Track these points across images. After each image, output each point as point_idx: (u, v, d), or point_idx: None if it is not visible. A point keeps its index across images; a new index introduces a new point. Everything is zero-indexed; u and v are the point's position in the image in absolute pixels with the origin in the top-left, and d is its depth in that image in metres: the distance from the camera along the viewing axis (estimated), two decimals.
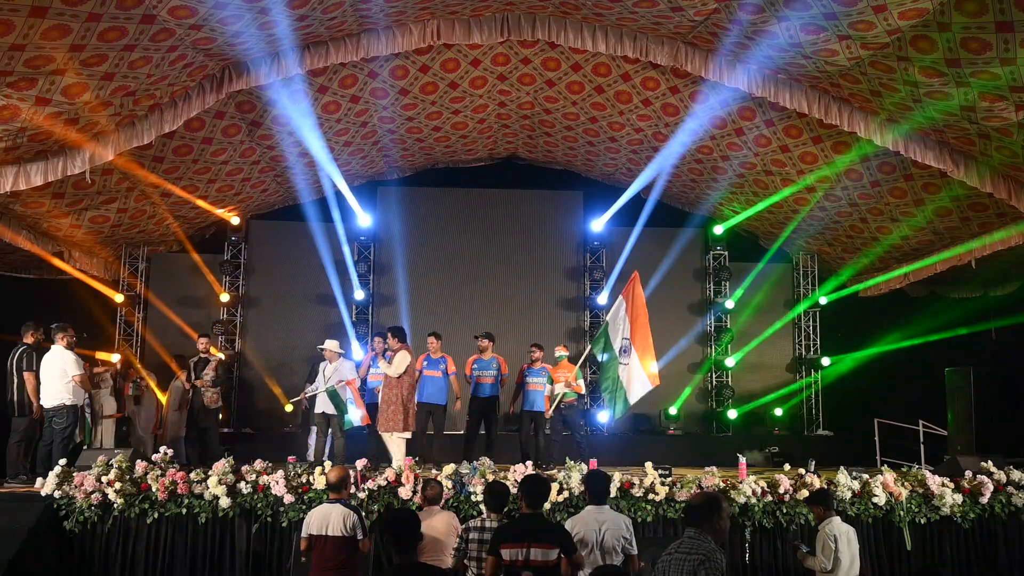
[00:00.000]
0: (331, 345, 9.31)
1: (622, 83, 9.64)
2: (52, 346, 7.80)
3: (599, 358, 8.78)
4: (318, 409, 9.14)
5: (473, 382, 9.31)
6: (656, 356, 8.58)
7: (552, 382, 9.26)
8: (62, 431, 7.60)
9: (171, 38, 6.52)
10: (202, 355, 9.58)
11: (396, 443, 8.19)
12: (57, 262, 10.43)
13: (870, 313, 12.79)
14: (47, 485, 6.74)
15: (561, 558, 4.44)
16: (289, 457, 7.66)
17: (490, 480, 6.44)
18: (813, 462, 7.80)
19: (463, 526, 5.21)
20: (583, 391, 9.45)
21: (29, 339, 7.95)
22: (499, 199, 12.90)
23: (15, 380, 7.77)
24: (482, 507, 6.37)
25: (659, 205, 13.07)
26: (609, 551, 4.84)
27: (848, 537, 5.56)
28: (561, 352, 9.55)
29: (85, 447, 8.45)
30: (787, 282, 13.34)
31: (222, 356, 10.31)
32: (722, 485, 7.02)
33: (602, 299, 12.34)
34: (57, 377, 7.66)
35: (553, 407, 9.03)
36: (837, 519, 5.70)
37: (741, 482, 7.05)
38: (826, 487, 6.67)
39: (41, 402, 7.66)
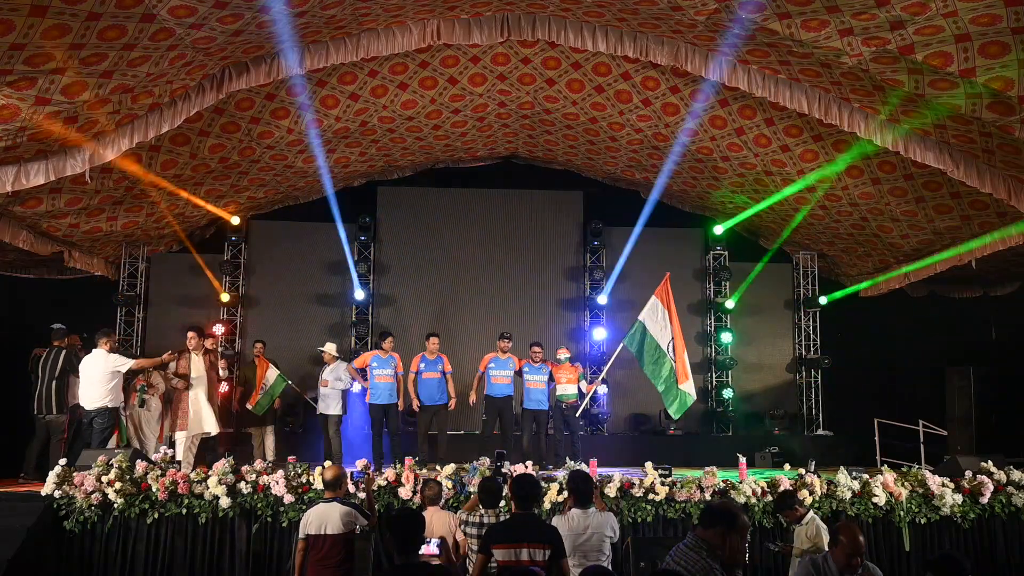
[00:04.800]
0: (329, 348, 9.47)
1: (622, 82, 9.64)
2: (94, 350, 7.97)
3: (641, 362, 8.77)
4: (319, 411, 9.29)
5: (488, 381, 9.31)
6: None
7: (553, 380, 9.32)
8: (101, 432, 7.78)
9: (171, 37, 6.51)
10: None
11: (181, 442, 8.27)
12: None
13: (870, 313, 12.80)
14: (47, 485, 6.75)
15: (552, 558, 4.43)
16: (289, 457, 7.68)
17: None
18: (813, 462, 7.80)
19: (459, 517, 5.27)
20: (591, 390, 9.47)
21: (57, 343, 8.11)
22: (499, 199, 12.90)
23: (45, 381, 7.93)
24: (460, 514, 6.41)
25: (659, 205, 13.08)
26: (594, 552, 4.83)
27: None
28: (564, 354, 9.56)
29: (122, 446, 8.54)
30: (787, 282, 13.34)
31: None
32: (722, 485, 7.03)
33: (602, 299, 12.34)
34: (99, 380, 7.81)
35: (583, 406, 9.20)
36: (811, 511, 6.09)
37: (741, 482, 7.05)
38: (789, 488, 6.74)
39: (81, 403, 7.86)
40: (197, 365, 8.28)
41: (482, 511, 5.18)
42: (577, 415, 9.29)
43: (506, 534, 4.53)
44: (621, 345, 9.13)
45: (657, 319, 8.55)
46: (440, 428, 9.18)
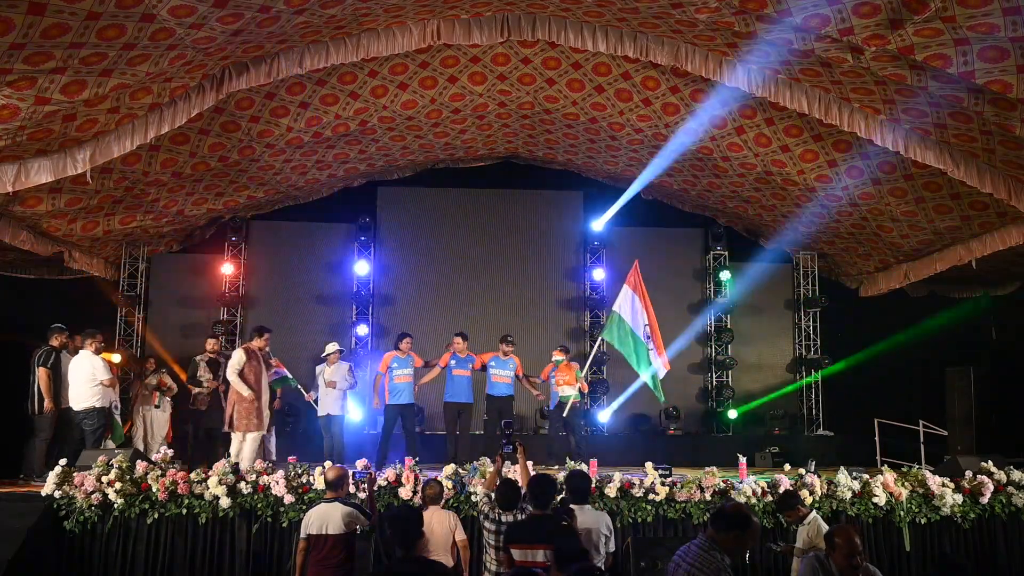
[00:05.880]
0: (332, 348, 9.48)
1: (622, 82, 9.64)
2: (80, 351, 7.93)
3: (623, 350, 8.81)
4: (322, 412, 9.29)
5: (489, 380, 9.39)
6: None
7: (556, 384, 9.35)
8: (93, 432, 7.78)
9: (171, 37, 6.51)
10: (211, 356, 9.65)
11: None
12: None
13: (870, 313, 12.80)
14: (47, 485, 6.75)
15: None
16: (289, 457, 7.67)
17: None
18: (813, 462, 7.80)
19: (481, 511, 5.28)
20: (587, 388, 9.48)
21: (54, 342, 8.10)
22: (499, 199, 12.90)
23: (34, 379, 7.95)
24: (482, 507, 6.41)
25: (659, 205, 13.10)
26: (594, 549, 4.86)
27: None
28: (559, 356, 9.55)
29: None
30: (787, 282, 13.34)
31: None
32: (722, 485, 7.02)
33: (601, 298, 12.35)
34: (85, 381, 7.80)
35: (568, 408, 9.17)
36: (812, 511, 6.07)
37: (741, 482, 7.05)
38: (791, 489, 6.74)
39: (71, 405, 7.84)
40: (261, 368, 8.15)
41: (499, 509, 5.15)
42: (564, 414, 9.25)
43: (525, 534, 4.54)
44: (600, 339, 9.13)
45: (630, 307, 8.61)
46: (463, 427, 9.28)
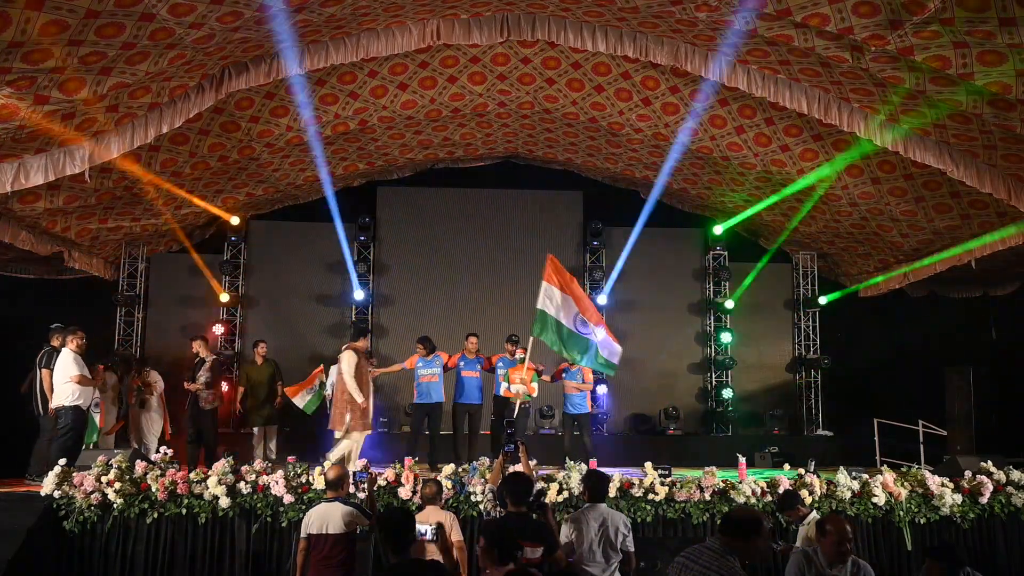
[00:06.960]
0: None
1: (622, 82, 9.64)
2: (63, 349, 7.96)
3: (555, 347, 8.65)
4: None
5: (498, 380, 9.44)
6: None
7: (508, 381, 9.25)
8: (63, 431, 7.73)
9: (170, 36, 6.50)
10: (200, 358, 9.64)
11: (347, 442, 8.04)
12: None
13: (870, 313, 12.80)
14: (46, 485, 6.75)
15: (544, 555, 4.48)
16: (289, 457, 7.67)
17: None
18: (813, 462, 7.80)
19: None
20: (535, 393, 9.35)
21: (55, 342, 8.12)
22: (499, 199, 12.89)
23: (38, 380, 7.96)
24: (481, 507, 6.43)
25: (659, 205, 13.08)
26: (611, 548, 4.88)
27: None
28: (522, 354, 9.49)
29: (87, 447, 8.50)
30: (787, 282, 13.34)
31: (213, 356, 10.32)
32: (722, 485, 7.02)
33: (602, 299, 12.33)
34: (59, 379, 7.83)
35: (517, 409, 9.00)
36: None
37: (741, 482, 7.05)
38: (791, 489, 6.74)
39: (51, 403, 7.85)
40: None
41: (500, 508, 5.16)
42: (515, 415, 9.14)
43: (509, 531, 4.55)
44: (532, 339, 8.88)
45: (554, 302, 8.48)
46: (472, 429, 9.31)
